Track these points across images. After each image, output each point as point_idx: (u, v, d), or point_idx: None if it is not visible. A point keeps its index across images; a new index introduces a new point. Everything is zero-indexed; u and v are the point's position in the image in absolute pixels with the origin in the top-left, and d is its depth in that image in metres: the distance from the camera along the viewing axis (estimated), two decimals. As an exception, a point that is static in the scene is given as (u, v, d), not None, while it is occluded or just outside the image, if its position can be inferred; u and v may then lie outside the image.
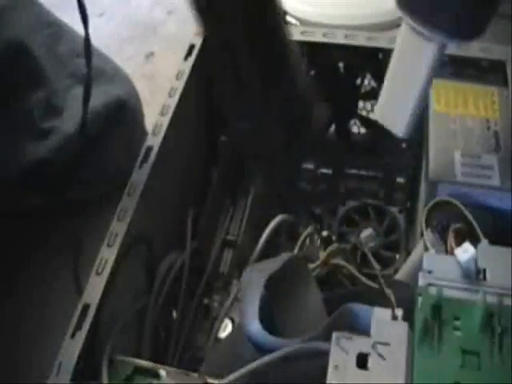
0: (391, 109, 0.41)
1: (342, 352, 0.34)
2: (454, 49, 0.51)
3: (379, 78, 0.56)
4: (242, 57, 0.43)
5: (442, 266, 0.37)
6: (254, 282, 0.40)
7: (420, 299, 0.35)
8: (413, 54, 0.38)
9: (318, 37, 0.54)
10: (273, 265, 0.41)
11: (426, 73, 0.38)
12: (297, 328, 0.41)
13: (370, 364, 0.33)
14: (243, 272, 0.42)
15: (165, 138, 0.48)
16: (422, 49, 0.37)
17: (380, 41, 0.53)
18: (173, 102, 0.50)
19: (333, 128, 0.61)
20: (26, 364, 0.58)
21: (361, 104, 0.59)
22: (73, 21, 0.89)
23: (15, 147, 0.63)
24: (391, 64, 0.40)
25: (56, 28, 0.67)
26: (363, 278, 0.46)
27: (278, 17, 0.45)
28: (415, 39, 0.37)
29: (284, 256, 0.43)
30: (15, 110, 0.63)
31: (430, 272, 0.37)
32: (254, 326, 0.38)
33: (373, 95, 0.58)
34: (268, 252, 0.51)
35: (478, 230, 0.39)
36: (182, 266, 0.49)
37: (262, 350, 0.38)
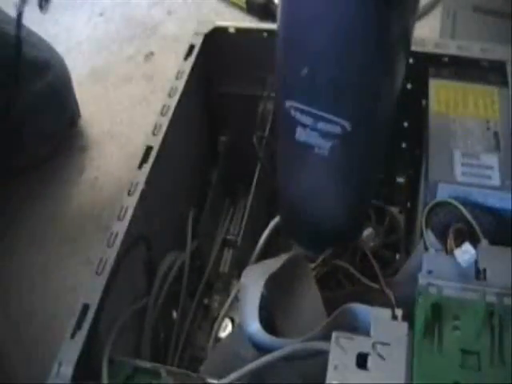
0: None
1: (341, 352, 0.34)
2: (454, 49, 0.51)
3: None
4: None
5: (442, 266, 0.37)
6: (253, 281, 0.40)
7: (420, 299, 0.35)
8: None
9: (318, 37, 0.54)
10: (273, 265, 0.41)
11: None
12: (297, 328, 0.41)
13: (369, 364, 0.33)
14: (243, 272, 0.42)
15: (165, 138, 0.48)
16: None
17: (380, 41, 0.53)
18: (173, 102, 0.50)
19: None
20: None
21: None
22: (73, 20, 0.89)
23: None
24: None
25: None
26: (363, 278, 0.46)
27: None
28: None
29: (284, 256, 0.43)
30: None
31: (430, 272, 0.37)
32: (254, 326, 0.38)
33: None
34: (268, 252, 0.51)
35: (478, 230, 0.39)
36: (182, 265, 0.49)
37: (261, 349, 0.38)
